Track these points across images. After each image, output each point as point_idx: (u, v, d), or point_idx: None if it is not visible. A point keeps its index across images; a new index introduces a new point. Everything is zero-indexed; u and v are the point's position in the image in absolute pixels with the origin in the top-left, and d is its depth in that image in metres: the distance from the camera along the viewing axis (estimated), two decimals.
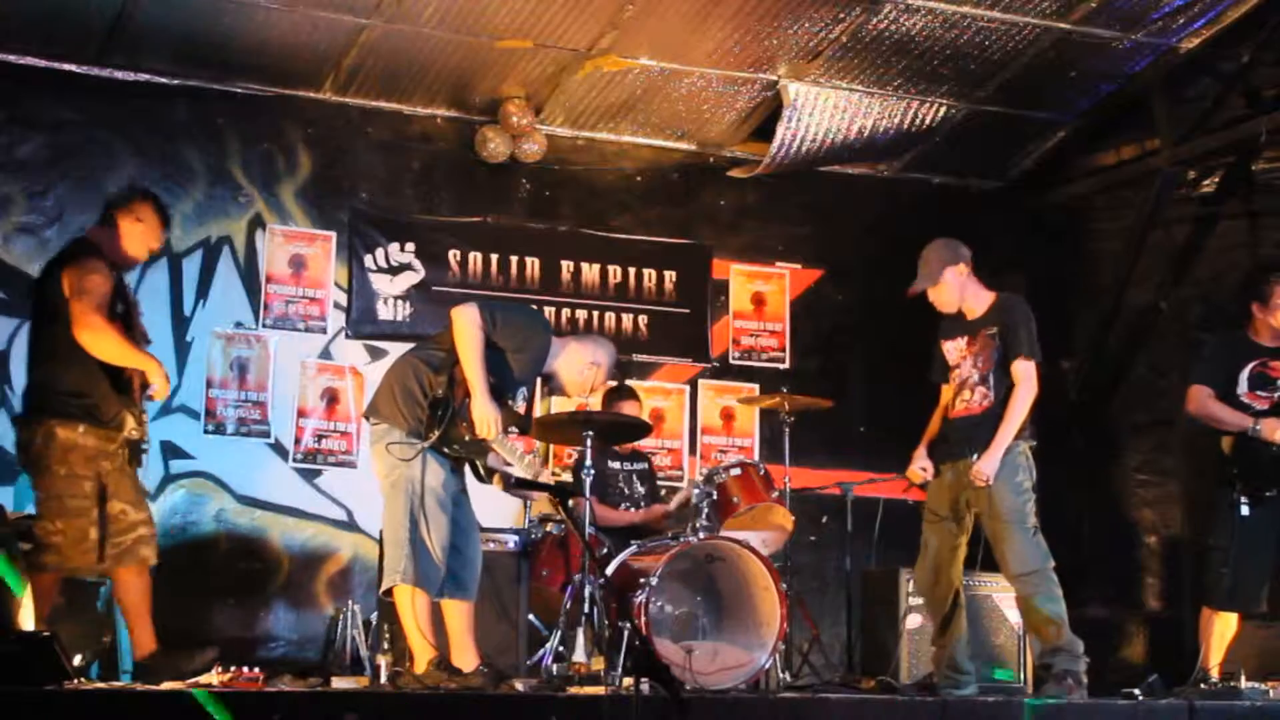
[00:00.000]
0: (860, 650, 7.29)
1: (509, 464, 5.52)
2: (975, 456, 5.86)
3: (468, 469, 5.55)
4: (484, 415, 5.29)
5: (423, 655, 5.33)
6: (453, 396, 5.33)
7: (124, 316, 5.61)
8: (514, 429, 5.56)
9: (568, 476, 7.34)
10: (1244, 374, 6.35)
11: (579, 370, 5.71)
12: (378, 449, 5.44)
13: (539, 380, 5.78)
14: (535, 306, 8.03)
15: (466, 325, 5.35)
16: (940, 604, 6.06)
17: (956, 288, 6.04)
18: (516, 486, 5.36)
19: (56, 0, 7.00)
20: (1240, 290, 7.35)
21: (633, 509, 7.09)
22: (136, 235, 5.65)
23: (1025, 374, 5.89)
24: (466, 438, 5.34)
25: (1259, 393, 6.32)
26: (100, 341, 5.31)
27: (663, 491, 7.58)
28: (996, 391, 5.93)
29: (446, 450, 5.37)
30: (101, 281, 5.39)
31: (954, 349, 6.09)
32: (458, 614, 5.49)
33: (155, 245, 5.83)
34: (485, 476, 5.53)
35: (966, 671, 6.10)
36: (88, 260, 5.46)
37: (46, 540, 5.30)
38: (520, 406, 5.58)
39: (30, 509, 6.40)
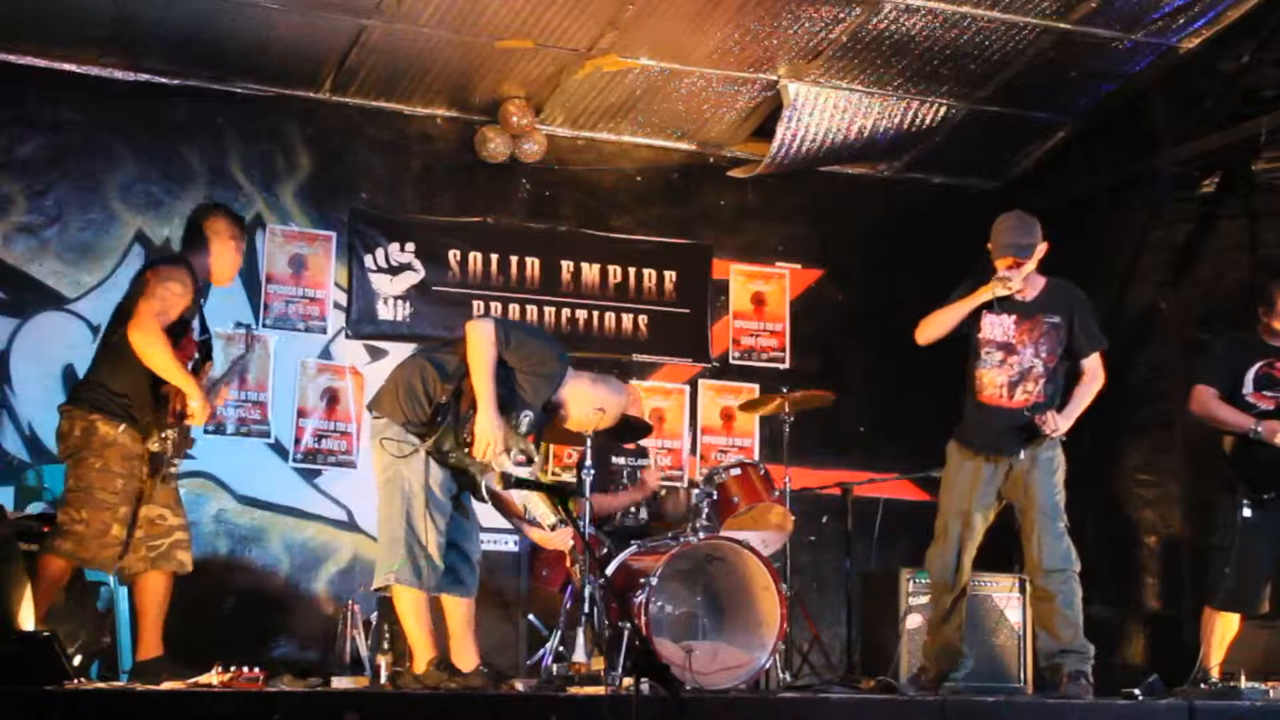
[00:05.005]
0: (860, 650, 7.29)
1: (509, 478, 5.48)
2: (1022, 454, 5.87)
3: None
4: (486, 432, 5.25)
5: (422, 655, 5.33)
6: (456, 406, 5.32)
7: (203, 346, 5.70)
8: (521, 455, 5.43)
9: (569, 476, 7.35)
10: (1250, 374, 6.33)
11: (584, 409, 5.68)
12: (375, 443, 5.44)
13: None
14: (534, 308, 8.07)
15: (480, 340, 5.33)
16: (952, 593, 6.06)
17: (1034, 266, 5.92)
18: (516, 486, 5.36)
19: (56, 0, 7.00)
20: (1242, 292, 7.36)
21: (631, 507, 7.09)
22: (228, 253, 5.70)
23: (1098, 365, 5.98)
24: (465, 450, 5.31)
25: (1265, 393, 6.30)
26: (148, 345, 5.34)
27: (663, 491, 7.57)
28: (1056, 383, 5.93)
29: (438, 458, 5.35)
30: (178, 291, 5.44)
31: (999, 325, 5.93)
32: (458, 611, 5.49)
33: (239, 263, 5.85)
34: (484, 496, 5.50)
35: (965, 654, 6.18)
36: (173, 269, 5.52)
37: (68, 528, 5.34)
38: (524, 426, 5.52)
39: (30, 509, 6.46)
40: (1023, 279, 5.87)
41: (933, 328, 6.00)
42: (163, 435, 5.43)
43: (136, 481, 5.41)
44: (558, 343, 5.92)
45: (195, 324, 5.66)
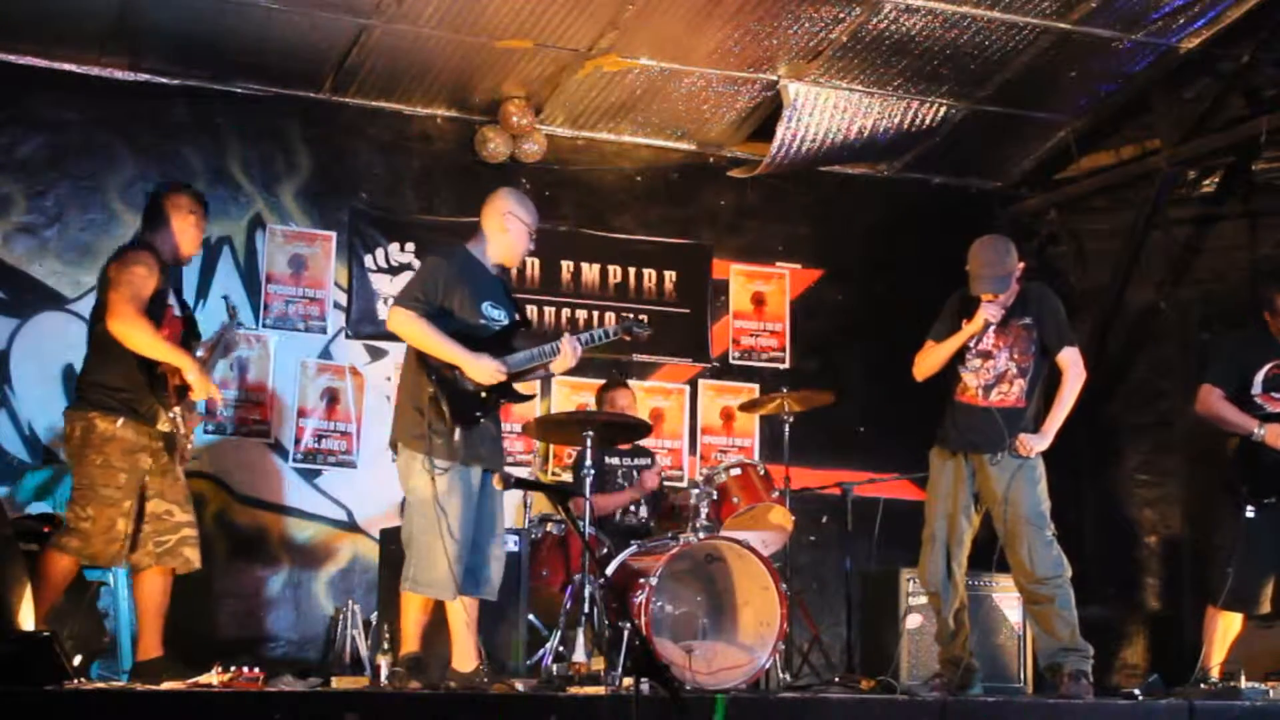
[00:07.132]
0: (860, 650, 7.29)
1: (547, 370, 5.65)
2: (1006, 451, 5.90)
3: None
4: (481, 371, 5.34)
5: (404, 648, 5.44)
6: (452, 381, 5.34)
7: (187, 321, 5.68)
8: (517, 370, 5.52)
9: (568, 476, 7.34)
10: (1259, 375, 6.25)
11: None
12: (401, 474, 5.45)
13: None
14: (534, 308, 8.06)
15: (407, 323, 5.36)
16: (952, 600, 6.06)
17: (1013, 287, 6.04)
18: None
19: (56, 0, 7.00)
20: (1242, 292, 7.35)
21: (631, 506, 7.08)
22: (189, 228, 5.67)
23: (1074, 360, 6.02)
24: (483, 395, 5.39)
25: (1273, 394, 6.23)
26: (130, 332, 5.34)
27: (666, 491, 7.56)
28: (1033, 383, 6.01)
29: (477, 419, 5.38)
30: (143, 275, 5.42)
31: (981, 337, 6.04)
32: (460, 612, 5.48)
33: (200, 239, 5.81)
34: (521, 395, 5.68)
35: (978, 669, 6.18)
36: (133, 254, 5.50)
37: (75, 525, 5.34)
38: (499, 317, 5.54)
39: (31, 509, 6.46)
40: (1003, 307, 6.00)
41: (929, 362, 6.14)
42: (170, 415, 5.44)
43: (139, 475, 5.41)
44: (430, 256, 5.90)
45: (173, 301, 5.62)
